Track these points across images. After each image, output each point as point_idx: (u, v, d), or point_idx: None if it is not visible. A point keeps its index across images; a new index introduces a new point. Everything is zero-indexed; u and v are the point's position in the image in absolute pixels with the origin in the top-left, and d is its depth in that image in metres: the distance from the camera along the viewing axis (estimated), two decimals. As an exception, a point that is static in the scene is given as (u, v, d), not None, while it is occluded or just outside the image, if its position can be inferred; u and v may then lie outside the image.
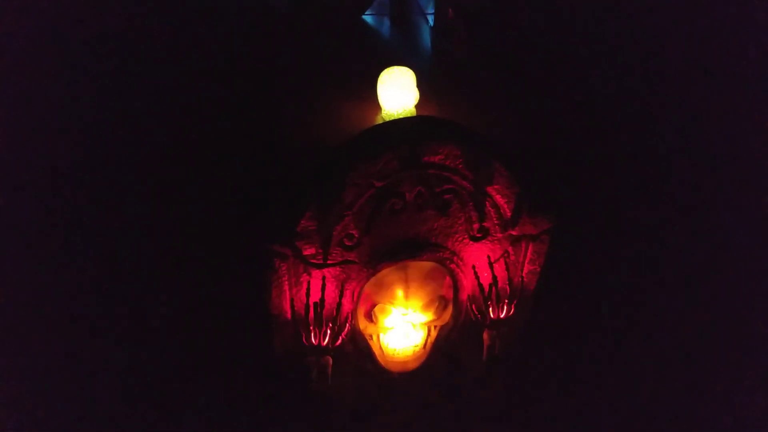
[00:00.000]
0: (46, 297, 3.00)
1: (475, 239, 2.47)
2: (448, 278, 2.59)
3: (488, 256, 2.52)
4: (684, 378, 3.04)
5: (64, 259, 3.05)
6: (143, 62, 3.16)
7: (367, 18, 3.86)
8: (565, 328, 3.17)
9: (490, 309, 2.58)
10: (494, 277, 2.52)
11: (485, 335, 2.65)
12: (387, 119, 2.80)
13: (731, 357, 3.12)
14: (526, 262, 2.58)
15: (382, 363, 2.73)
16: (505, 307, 2.58)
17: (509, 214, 2.42)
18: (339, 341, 2.50)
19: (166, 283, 3.05)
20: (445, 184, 2.30)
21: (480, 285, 2.54)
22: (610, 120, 3.42)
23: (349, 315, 2.51)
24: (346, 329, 2.50)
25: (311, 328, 2.43)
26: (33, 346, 2.91)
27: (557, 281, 2.81)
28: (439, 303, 2.64)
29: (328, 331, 2.45)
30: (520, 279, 2.61)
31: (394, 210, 2.31)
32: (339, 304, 2.43)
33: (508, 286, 2.57)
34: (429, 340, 2.75)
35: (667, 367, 3.09)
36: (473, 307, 2.62)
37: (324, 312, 2.42)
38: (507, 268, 2.55)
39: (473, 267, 2.54)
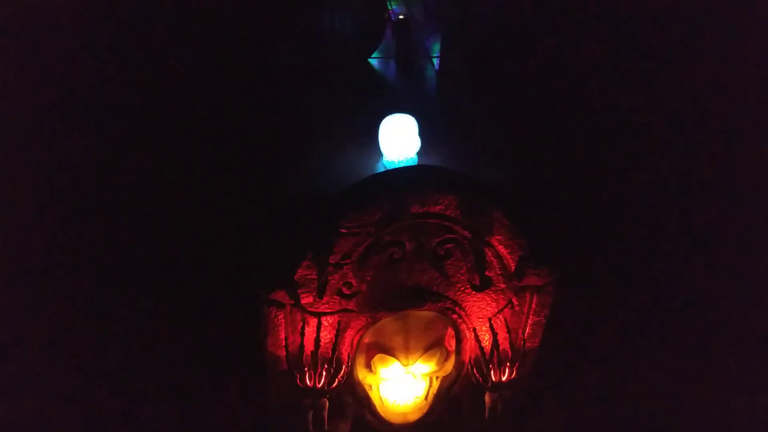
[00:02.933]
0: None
1: (477, 289, 2.42)
2: (450, 328, 2.53)
3: (489, 319, 2.47)
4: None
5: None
6: (142, 116, 3.20)
7: (372, 62, 3.89)
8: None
9: (492, 372, 2.53)
10: (495, 341, 2.48)
11: (487, 397, 2.60)
12: (388, 167, 2.80)
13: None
14: (531, 313, 2.51)
15: (382, 414, 2.67)
16: (507, 370, 2.54)
17: (512, 264, 2.37)
18: (335, 383, 2.44)
19: (161, 331, 3.02)
20: (445, 234, 2.26)
21: (481, 348, 2.50)
22: (619, 171, 3.39)
23: (347, 356, 2.45)
24: (342, 370, 2.44)
25: (306, 369, 2.38)
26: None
27: (560, 331, 2.74)
28: (440, 353, 2.57)
29: (324, 373, 2.39)
30: (523, 339, 2.55)
31: (393, 259, 2.27)
32: (335, 344, 2.38)
33: (510, 349, 2.52)
34: (431, 391, 2.68)
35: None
36: (474, 371, 2.57)
37: (320, 352, 2.37)
38: (508, 330, 2.50)
39: (474, 330, 2.49)
